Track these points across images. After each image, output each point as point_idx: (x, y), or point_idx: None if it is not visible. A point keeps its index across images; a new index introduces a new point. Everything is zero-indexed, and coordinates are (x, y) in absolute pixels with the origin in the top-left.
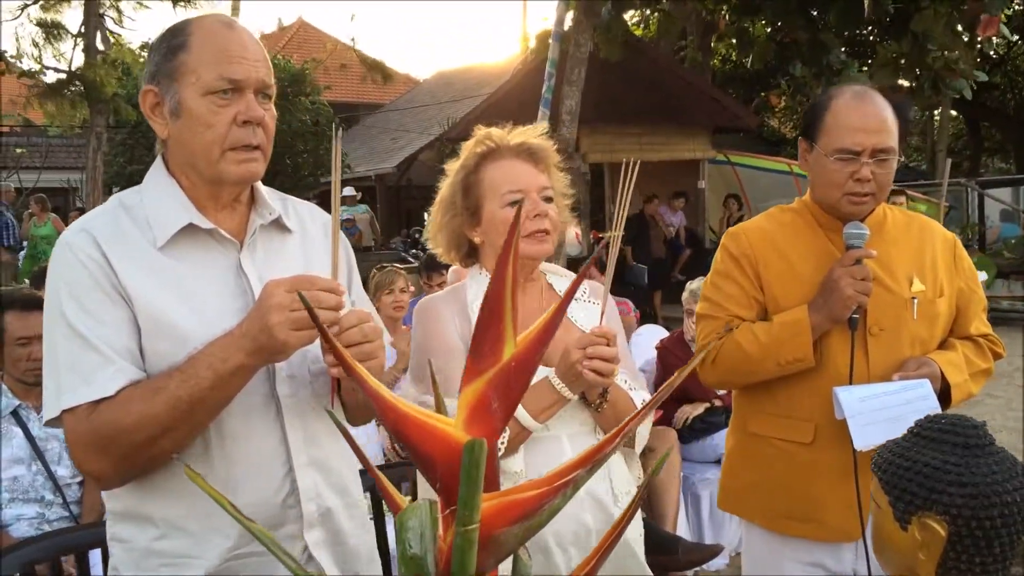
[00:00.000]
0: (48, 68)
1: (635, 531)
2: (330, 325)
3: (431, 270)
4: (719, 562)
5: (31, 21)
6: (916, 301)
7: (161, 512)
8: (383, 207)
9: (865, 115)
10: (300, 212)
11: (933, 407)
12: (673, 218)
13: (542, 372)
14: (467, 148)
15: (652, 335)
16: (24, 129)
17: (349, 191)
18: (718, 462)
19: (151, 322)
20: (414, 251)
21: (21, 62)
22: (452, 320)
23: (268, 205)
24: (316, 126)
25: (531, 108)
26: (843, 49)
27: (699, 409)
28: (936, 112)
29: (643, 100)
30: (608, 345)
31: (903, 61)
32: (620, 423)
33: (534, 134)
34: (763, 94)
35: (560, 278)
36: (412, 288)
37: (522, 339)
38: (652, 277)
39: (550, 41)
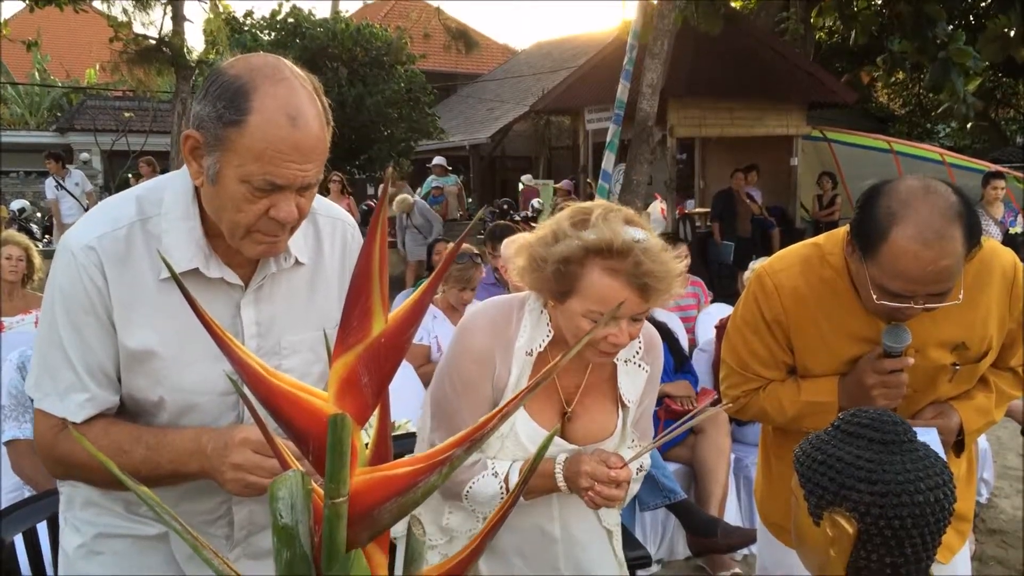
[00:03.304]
0: (139, 36)
1: (611, 521)
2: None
3: (496, 240)
4: None
5: None
6: (957, 368)
7: (118, 495)
8: (476, 177)
9: (924, 266)
10: (321, 229)
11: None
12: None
13: (556, 446)
14: (577, 220)
15: (719, 313)
16: (134, 93)
17: (440, 160)
18: None
19: (132, 358)
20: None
21: (118, 33)
22: (491, 360)
23: (287, 250)
24: (410, 93)
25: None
26: (953, 24)
27: None
28: None
29: (735, 74)
30: (617, 487)
31: (1012, 35)
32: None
33: (662, 256)
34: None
35: None
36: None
37: (393, 315)
38: (738, 255)
39: (634, 12)
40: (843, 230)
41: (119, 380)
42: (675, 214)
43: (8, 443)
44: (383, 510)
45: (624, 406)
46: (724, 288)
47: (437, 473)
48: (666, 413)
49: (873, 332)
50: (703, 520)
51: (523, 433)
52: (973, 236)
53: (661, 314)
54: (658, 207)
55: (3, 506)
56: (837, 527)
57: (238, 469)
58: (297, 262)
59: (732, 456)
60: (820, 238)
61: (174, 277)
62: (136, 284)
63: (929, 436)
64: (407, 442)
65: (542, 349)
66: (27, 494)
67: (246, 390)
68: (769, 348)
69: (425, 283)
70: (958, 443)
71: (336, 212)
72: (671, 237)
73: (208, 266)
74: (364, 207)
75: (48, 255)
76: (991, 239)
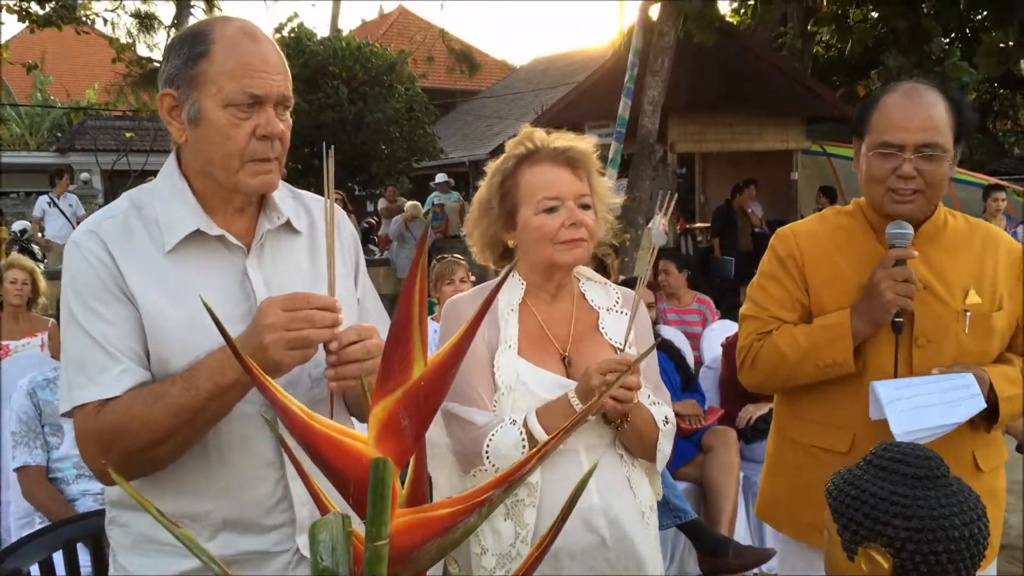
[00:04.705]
0: (142, 58)
1: (654, 547)
2: (329, 342)
3: None
4: (775, 564)
5: (126, 12)
6: (969, 314)
7: (159, 504)
8: (476, 193)
9: (910, 111)
10: (312, 210)
11: (976, 399)
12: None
13: (564, 386)
14: (508, 148)
15: (725, 331)
16: (135, 113)
17: (442, 177)
18: None
19: (154, 326)
20: None
21: (121, 55)
22: (480, 326)
23: (278, 209)
24: (411, 112)
25: (620, 97)
26: (946, 39)
27: (763, 409)
28: None
29: (734, 89)
30: (631, 372)
31: (1009, 49)
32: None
33: (577, 140)
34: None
35: (593, 285)
36: (473, 278)
37: (432, 359)
38: (739, 270)
39: (634, 30)
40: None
41: (147, 357)
42: (676, 229)
43: (19, 469)
44: (423, 551)
45: (617, 349)
46: (727, 302)
47: (476, 514)
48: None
49: None
50: (714, 539)
51: (531, 381)
52: (961, 123)
53: (667, 332)
54: (660, 221)
55: (13, 533)
56: (872, 562)
57: (274, 329)
58: (291, 227)
59: (741, 474)
60: (828, 210)
61: (208, 309)
62: (142, 258)
63: (966, 379)
64: None
65: (521, 300)
66: (38, 521)
67: (286, 433)
68: (785, 287)
69: (464, 327)
70: (992, 411)
71: (321, 198)
72: (675, 256)
73: (210, 226)
74: (364, 224)
75: (52, 276)
76: (994, 226)
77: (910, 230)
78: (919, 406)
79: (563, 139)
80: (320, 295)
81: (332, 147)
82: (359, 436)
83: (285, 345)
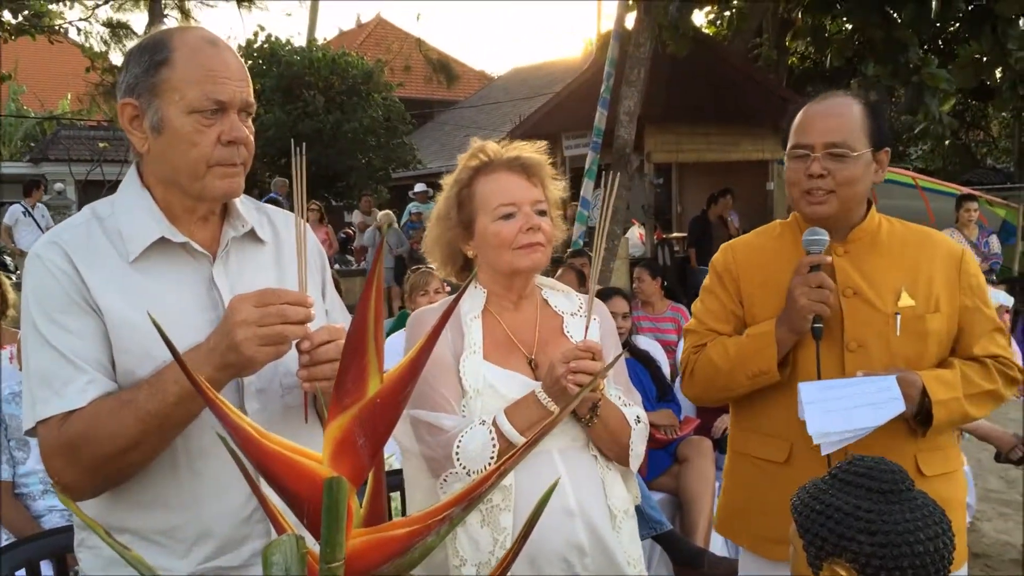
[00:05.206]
0: (115, 67)
1: (632, 552)
2: (300, 341)
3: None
4: None
5: (98, 21)
6: (899, 317)
7: (130, 523)
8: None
9: (819, 113)
10: (276, 221)
11: (896, 402)
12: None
13: (530, 386)
14: (461, 161)
15: None
16: (109, 123)
17: (420, 187)
18: None
19: (120, 335)
20: None
21: (94, 63)
22: (444, 332)
23: (241, 217)
24: (388, 122)
25: (596, 107)
26: (924, 48)
27: None
28: None
29: (710, 99)
30: (593, 359)
31: (984, 60)
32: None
33: (529, 149)
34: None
35: (556, 292)
36: (448, 289)
37: (388, 375)
38: None
39: (610, 41)
40: None
41: (113, 368)
42: (653, 239)
43: None
44: (379, 572)
45: None
46: None
47: (435, 533)
48: (649, 442)
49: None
50: (689, 551)
51: (499, 384)
52: (873, 117)
53: (643, 342)
54: (636, 232)
55: None
56: None
57: (246, 325)
58: (256, 236)
59: (717, 484)
60: (773, 223)
61: (155, 324)
62: (106, 267)
63: (888, 382)
64: (391, 480)
65: (484, 308)
66: (4, 538)
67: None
68: (720, 300)
69: (421, 342)
70: (926, 414)
71: (288, 212)
72: (649, 264)
73: (174, 234)
74: (342, 235)
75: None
76: (937, 231)
77: (825, 236)
78: (840, 408)
79: (516, 148)
80: (291, 291)
81: (303, 144)
82: (313, 455)
83: (258, 341)
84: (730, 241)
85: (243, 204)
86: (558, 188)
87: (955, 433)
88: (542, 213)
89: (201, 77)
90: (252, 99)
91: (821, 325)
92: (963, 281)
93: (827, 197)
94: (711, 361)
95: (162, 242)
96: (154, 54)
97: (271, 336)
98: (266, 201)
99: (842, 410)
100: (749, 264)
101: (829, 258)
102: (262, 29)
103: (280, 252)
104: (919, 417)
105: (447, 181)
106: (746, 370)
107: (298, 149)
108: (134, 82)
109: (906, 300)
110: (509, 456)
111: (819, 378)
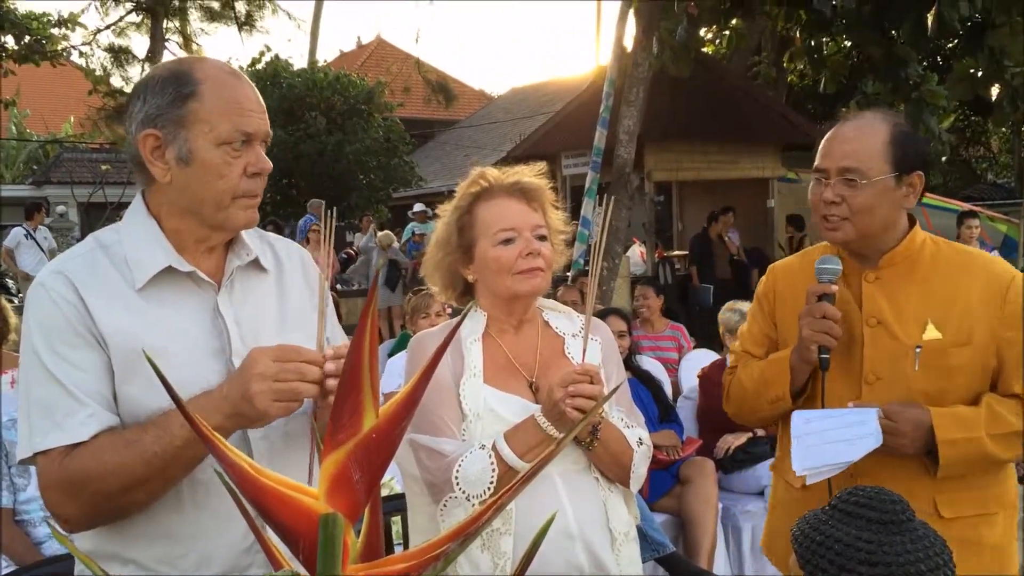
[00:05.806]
0: (117, 91)
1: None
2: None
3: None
4: None
5: (100, 47)
6: (920, 350)
7: (133, 553)
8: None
9: (839, 136)
10: (278, 250)
11: (872, 438)
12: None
13: (531, 410)
14: (461, 188)
15: (702, 361)
16: (111, 146)
17: (419, 207)
18: (760, 494)
19: (125, 365)
20: None
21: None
22: (445, 357)
23: (246, 246)
24: (388, 142)
25: (596, 127)
26: (923, 64)
27: (741, 439)
28: None
29: (710, 118)
30: (592, 382)
31: (980, 75)
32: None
33: (529, 173)
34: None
35: (558, 314)
36: (449, 311)
37: (384, 410)
38: (717, 298)
39: (609, 60)
40: None
41: (115, 401)
42: (654, 257)
43: None
44: None
45: None
46: (704, 331)
47: (431, 568)
48: (652, 463)
49: (846, 289)
50: (692, 573)
51: (499, 407)
52: (905, 154)
53: (646, 363)
54: (637, 251)
55: None
56: None
57: (263, 379)
58: (259, 265)
59: (720, 505)
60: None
61: (152, 366)
62: (113, 295)
63: (866, 416)
64: (393, 503)
65: (484, 331)
66: (4, 566)
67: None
68: (758, 323)
69: (419, 373)
70: (930, 452)
71: (288, 241)
72: (652, 283)
73: (181, 263)
74: (343, 255)
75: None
76: (987, 254)
77: (837, 265)
78: (822, 441)
79: (515, 173)
80: (309, 349)
81: (334, 208)
82: (309, 491)
83: (272, 395)
84: (774, 263)
85: (247, 233)
86: (559, 215)
87: (1011, 470)
88: (542, 238)
89: (229, 110)
90: (269, 129)
91: (827, 356)
92: (1007, 311)
93: (841, 224)
94: (741, 383)
95: (169, 271)
96: (179, 87)
97: (286, 392)
98: (304, 224)
99: (827, 443)
100: (786, 287)
101: (835, 288)
102: (268, 49)
103: (282, 280)
104: (932, 456)
105: (447, 207)
106: (767, 395)
107: (329, 212)
108: (156, 113)
109: (932, 332)
110: (506, 490)
111: (823, 406)
